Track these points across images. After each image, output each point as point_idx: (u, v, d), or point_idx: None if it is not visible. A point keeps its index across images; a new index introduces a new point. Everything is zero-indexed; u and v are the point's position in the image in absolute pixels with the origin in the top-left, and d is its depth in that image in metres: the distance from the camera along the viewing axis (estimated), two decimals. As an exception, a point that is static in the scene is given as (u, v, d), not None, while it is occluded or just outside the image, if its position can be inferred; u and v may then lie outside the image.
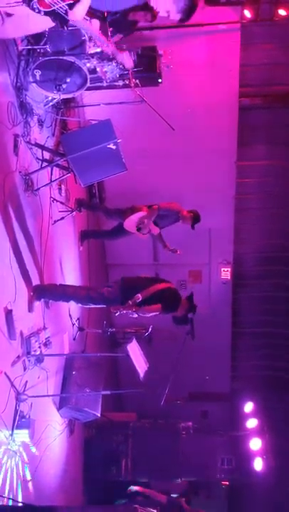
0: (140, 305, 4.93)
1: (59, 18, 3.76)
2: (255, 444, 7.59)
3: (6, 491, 3.71)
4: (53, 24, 4.03)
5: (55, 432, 5.76)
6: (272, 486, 7.60)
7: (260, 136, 8.13)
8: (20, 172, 4.97)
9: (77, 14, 3.70)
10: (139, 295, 4.91)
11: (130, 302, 4.88)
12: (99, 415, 6.25)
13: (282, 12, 6.93)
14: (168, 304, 5.05)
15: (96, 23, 4.36)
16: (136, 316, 4.98)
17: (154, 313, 4.99)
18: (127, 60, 4.98)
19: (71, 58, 4.81)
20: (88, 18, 4.08)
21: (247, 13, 7.04)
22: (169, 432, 7.88)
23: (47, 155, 5.50)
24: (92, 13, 4.22)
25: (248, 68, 7.50)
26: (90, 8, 3.83)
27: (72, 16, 3.70)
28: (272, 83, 7.65)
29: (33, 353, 4.80)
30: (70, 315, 6.55)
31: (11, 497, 3.88)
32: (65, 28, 4.02)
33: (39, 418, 4.97)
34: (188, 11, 4.09)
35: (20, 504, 3.44)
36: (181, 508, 6.25)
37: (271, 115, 7.92)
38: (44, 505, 3.58)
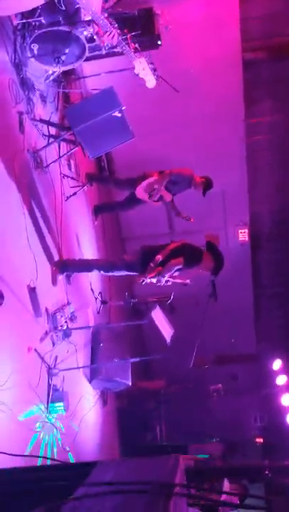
0: (162, 265, 4.96)
1: None
2: (287, 399, 7.67)
3: (48, 460, 3.82)
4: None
5: (89, 403, 5.89)
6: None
7: (266, 90, 7.91)
8: (28, 150, 4.94)
9: None
10: (159, 256, 4.99)
11: (152, 265, 4.93)
12: (130, 384, 6.36)
13: None
14: (189, 255, 5.10)
15: None
16: (162, 282, 5.01)
17: (178, 267, 5.01)
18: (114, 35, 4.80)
19: (67, 28, 4.70)
20: None
21: None
22: (200, 396, 8.01)
23: (53, 130, 5.45)
24: None
25: (249, 21, 7.24)
26: None
27: None
28: (275, 34, 7.39)
29: (59, 328, 4.88)
30: (92, 289, 6.61)
31: (54, 459, 3.99)
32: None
33: (72, 391, 5.08)
34: None
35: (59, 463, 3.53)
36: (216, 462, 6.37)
37: (276, 68, 7.68)
38: (86, 461, 3.67)
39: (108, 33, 4.58)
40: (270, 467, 5.18)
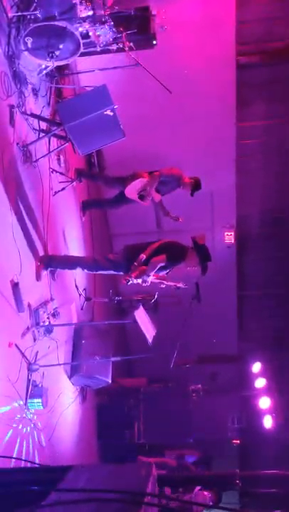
0: (146, 264, 4.99)
1: None
2: (264, 402, 7.76)
3: (23, 457, 3.83)
4: None
5: (68, 399, 5.89)
6: (281, 442, 7.81)
7: (259, 94, 7.96)
8: (17, 144, 4.91)
9: None
10: (143, 255, 5.03)
11: (136, 264, 4.95)
12: (110, 381, 6.38)
13: None
14: (172, 252, 5.12)
15: None
16: (148, 282, 5.02)
17: (161, 264, 5.03)
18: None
19: (63, 23, 4.68)
20: None
21: None
22: (180, 395, 8.07)
23: (44, 125, 5.42)
24: None
25: (245, 25, 7.27)
26: None
27: None
28: (270, 39, 7.43)
29: (41, 323, 4.87)
30: (76, 286, 6.59)
31: (28, 460, 4.00)
32: None
33: (51, 387, 5.07)
34: None
35: (37, 465, 3.55)
36: (189, 470, 6.44)
37: (270, 72, 7.73)
38: (60, 465, 3.68)
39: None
40: (240, 476, 5.25)
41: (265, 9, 7.27)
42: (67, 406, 5.83)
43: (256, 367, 8.55)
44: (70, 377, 6.01)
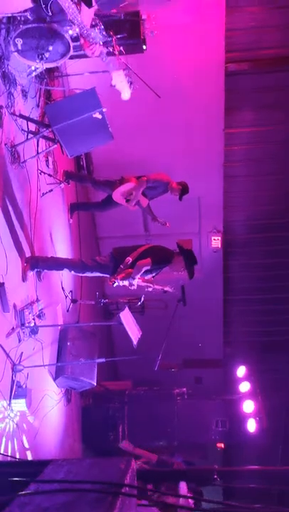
0: (132, 267, 5.05)
1: None
2: (248, 406, 7.81)
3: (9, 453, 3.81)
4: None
5: (52, 401, 5.88)
6: (265, 446, 7.86)
7: (247, 102, 8.06)
8: (5, 144, 4.92)
9: None
10: (129, 257, 5.10)
11: (122, 266, 5.00)
12: (95, 384, 6.38)
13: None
14: (157, 255, 5.19)
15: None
16: (134, 285, 5.06)
17: (146, 268, 5.09)
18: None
19: (53, 26, 4.70)
20: None
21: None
22: (164, 398, 8.08)
23: (32, 126, 5.43)
24: None
25: (234, 33, 7.35)
26: None
27: None
28: (259, 47, 7.52)
29: (27, 324, 4.86)
30: (62, 287, 6.60)
31: (9, 455, 3.98)
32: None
33: (36, 388, 5.07)
34: None
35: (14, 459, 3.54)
36: (172, 465, 6.46)
37: (258, 80, 7.82)
38: (40, 459, 3.68)
39: (92, 46, 4.60)
40: (218, 471, 5.29)
41: (255, 17, 7.36)
42: (51, 408, 5.82)
43: (241, 371, 8.61)
44: (54, 379, 6.00)
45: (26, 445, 4.94)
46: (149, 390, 8.35)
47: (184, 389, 8.14)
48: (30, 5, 3.89)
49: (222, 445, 8.62)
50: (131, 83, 5.11)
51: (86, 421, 7.64)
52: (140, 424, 7.83)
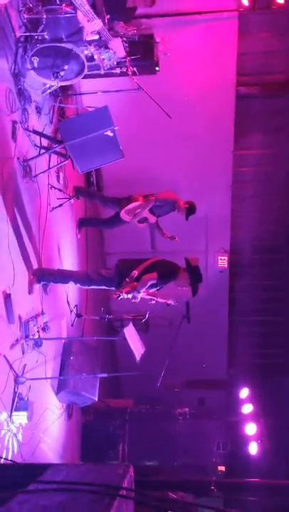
0: (137, 280, 5.07)
1: None
2: (251, 428, 7.73)
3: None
4: None
5: (53, 415, 5.86)
6: (266, 470, 7.75)
7: (256, 124, 8.18)
8: (18, 158, 5.02)
9: None
10: (135, 271, 5.09)
11: (128, 280, 5.02)
12: (96, 399, 6.35)
13: (279, 0, 6.94)
14: (163, 270, 5.20)
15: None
16: (138, 298, 5.08)
17: (152, 282, 5.09)
18: (119, 47, 4.99)
19: (69, 45, 4.84)
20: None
21: (244, 1, 7.05)
22: (166, 418, 8.01)
23: (45, 142, 5.54)
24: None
25: (245, 57, 7.52)
26: None
27: None
28: (269, 72, 7.68)
29: (31, 336, 4.89)
30: (68, 301, 6.63)
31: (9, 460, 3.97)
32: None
33: (37, 401, 5.06)
34: None
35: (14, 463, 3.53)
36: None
37: (268, 104, 7.95)
38: (40, 463, 3.67)
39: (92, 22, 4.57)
40: (215, 482, 5.22)
41: (266, 43, 7.54)
42: (52, 422, 5.80)
43: (244, 392, 8.55)
44: (56, 393, 5.99)
45: (25, 458, 4.92)
46: (151, 408, 8.29)
47: (186, 409, 8.07)
48: None
49: (223, 468, 8.51)
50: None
51: (86, 437, 7.58)
52: (141, 443, 7.75)
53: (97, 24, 4.49)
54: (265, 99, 7.93)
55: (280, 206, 8.93)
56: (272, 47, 7.50)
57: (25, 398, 4.73)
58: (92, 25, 4.50)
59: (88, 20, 4.45)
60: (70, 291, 6.65)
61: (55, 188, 6.09)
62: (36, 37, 4.80)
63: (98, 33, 4.70)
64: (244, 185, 8.78)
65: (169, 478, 6.50)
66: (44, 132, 5.59)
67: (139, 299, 5.11)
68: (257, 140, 8.35)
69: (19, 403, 4.61)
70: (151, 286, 5.16)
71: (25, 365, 4.83)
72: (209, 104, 7.65)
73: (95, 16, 4.34)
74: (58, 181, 6.34)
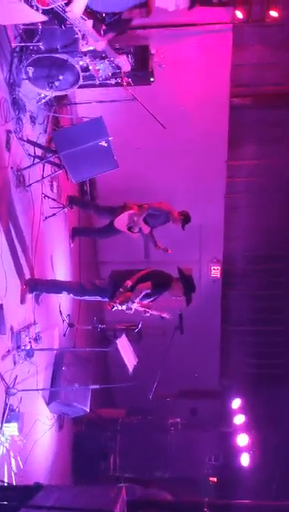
0: (131, 290, 5.04)
1: (57, 16, 3.79)
2: (243, 440, 7.69)
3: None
4: (45, 19, 4.02)
5: (44, 426, 5.80)
6: (258, 481, 7.70)
7: (250, 135, 8.23)
8: (12, 168, 5.00)
9: (75, 11, 3.72)
10: (129, 281, 5.08)
11: (121, 289, 5.00)
12: (88, 410, 6.30)
13: (273, 13, 7.01)
14: (157, 280, 5.18)
15: (90, 22, 4.37)
16: (132, 309, 5.06)
17: (146, 291, 5.08)
18: (125, 63, 5.03)
19: (64, 56, 4.85)
20: (85, 18, 4.09)
21: (239, 14, 7.11)
22: (158, 428, 7.95)
23: (39, 151, 5.53)
24: (90, 13, 4.24)
25: (239, 68, 7.58)
26: (88, 8, 3.86)
27: (71, 14, 3.72)
28: (263, 83, 7.74)
29: (23, 347, 4.84)
30: (60, 311, 6.59)
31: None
32: (63, 26, 4.02)
33: (28, 412, 5.01)
34: None
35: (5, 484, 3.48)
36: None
37: (261, 115, 8.01)
38: (31, 484, 3.62)
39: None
40: (208, 504, 5.17)
41: (260, 55, 7.60)
42: (43, 433, 5.73)
43: (236, 403, 8.51)
44: (47, 404, 5.93)
45: (15, 470, 4.85)
46: (143, 419, 8.22)
47: (178, 419, 8.02)
48: (42, 18, 3.98)
49: (214, 479, 8.45)
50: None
51: (77, 448, 7.50)
52: (132, 454, 7.68)
53: (102, 44, 4.53)
54: (259, 110, 7.98)
55: (273, 216, 8.97)
56: (266, 59, 7.56)
57: (17, 410, 4.68)
58: (97, 46, 4.54)
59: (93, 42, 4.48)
60: (63, 300, 6.61)
61: (48, 198, 6.07)
62: (32, 47, 4.80)
63: (103, 52, 4.74)
64: (237, 195, 8.82)
65: (161, 499, 6.43)
66: (38, 142, 5.58)
67: (133, 310, 5.09)
68: (250, 151, 8.40)
69: (10, 415, 4.56)
70: (146, 296, 5.15)
71: (17, 376, 4.79)
72: (204, 114, 7.69)
73: (98, 37, 4.36)
74: (52, 190, 6.32)
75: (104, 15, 4.55)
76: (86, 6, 3.81)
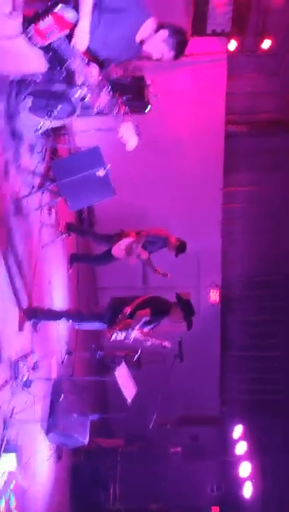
0: (131, 317, 5.01)
1: (56, 55, 3.72)
2: (245, 469, 7.55)
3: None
4: (47, 65, 3.97)
5: (42, 457, 5.69)
6: (261, 509, 7.54)
7: (245, 162, 8.34)
8: (10, 196, 5.03)
9: (79, 46, 3.67)
10: (128, 308, 5.06)
11: (120, 317, 4.97)
12: (86, 442, 6.17)
13: (265, 44, 7.19)
14: (156, 306, 5.16)
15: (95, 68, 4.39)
16: (131, 337, 5.02)
17: (145, 318, 5.04)
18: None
19: (62, 87, 4.92)
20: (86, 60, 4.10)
21: (233, 44, 7.29)
22: (158, 457, 7.82)
23: (37, 180, 5.58)
24: (91, 55, 4.27)
25: (234, 97, 7.73)
26: (89, 49, 3.80)
27: (75, 44, 3.65)
28: (257, 111, 7.88)
29: (20, 377, 4.78)
30: (58, 338, 6.54)
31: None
32: (62, 69, 3.96)
33: (26, 443, 4.92)
34: (180, 46, 4.03)
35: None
36: None
37: (256, 142, 8.13)
38: None
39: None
40: None
41: (254, 83, 7.77)
42: (41, 464, 5.62)
43: (237, 430, 8.39)
44: (46, 434, 5.83)
45: (12, 504, 4.74)
46: (143, 448, 8.09)
47: (179, 448, 7.89)
48: (44, 69, 4.02)
49: (217, 509, 8.28)
50: (138, 134, 5.23)
51: (76, 479, 7.35)
52: (133, 484, 7.54)
53: (104, 100, 4.60)
54: (254, 137, 8.10)
55: (269, 243, 9.01)
56: (259, 87, 7.72)
57: (14, 442, 4.59)
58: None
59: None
60: (61, 327, 6.57)
61: (46, 225, 6.09)
62: (30, 79, 4.88)
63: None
64: (233, 221, 8.87)
65: None
66: (36, 170, 5.63)
67: (132, 339, 5.05)
68: (246, 177, 8.50)
69: (7, 446, 4.47)
70: (146, 324, 5.11)
71: (14, 407, 4.71)
72: (199, 142, 7.81)
73: (99, 93, 4.43)
74: (50, 218, 6.35)
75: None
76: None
